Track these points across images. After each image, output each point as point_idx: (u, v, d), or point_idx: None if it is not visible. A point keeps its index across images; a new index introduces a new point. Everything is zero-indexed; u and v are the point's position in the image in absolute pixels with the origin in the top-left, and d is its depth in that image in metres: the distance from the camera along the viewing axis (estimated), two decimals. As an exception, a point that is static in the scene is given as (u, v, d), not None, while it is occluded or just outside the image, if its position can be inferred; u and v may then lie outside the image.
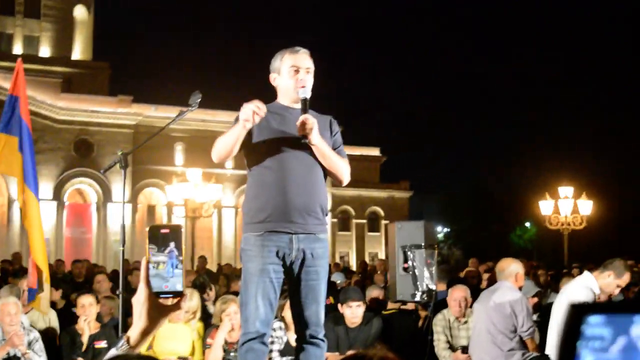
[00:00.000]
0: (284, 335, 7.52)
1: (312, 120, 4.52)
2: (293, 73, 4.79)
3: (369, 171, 58.66)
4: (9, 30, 55.96)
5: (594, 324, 1.05)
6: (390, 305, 9.07)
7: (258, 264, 4.62)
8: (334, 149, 4.84)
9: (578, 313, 1.05)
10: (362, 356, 1.80)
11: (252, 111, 4.43)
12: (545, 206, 27.44)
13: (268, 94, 4.99)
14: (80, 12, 58.74)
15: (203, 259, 19.52)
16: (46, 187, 43.60)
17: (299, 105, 4.66)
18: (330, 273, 8.56)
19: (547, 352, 7.26)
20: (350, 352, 1.92)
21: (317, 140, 4.57)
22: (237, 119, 4.63)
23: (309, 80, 4.78)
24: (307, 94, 4.69)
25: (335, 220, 56.75)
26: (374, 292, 9.59)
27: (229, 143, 4.61)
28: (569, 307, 1.06)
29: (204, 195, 25.85)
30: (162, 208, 48.44)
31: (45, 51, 56.38)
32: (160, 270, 2.06)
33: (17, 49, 54.86)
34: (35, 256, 8.01)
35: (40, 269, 7.94)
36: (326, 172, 4.79)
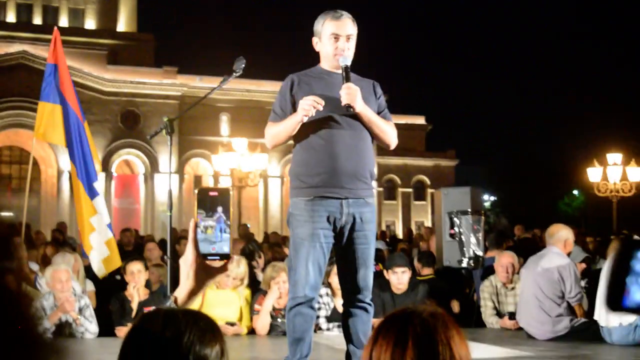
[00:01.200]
0: (330, 301, 7.56)
1: (354, 88, 4.52)
2: (333, 40, 4.76)
3: (415, 140, 58.32)
4: (54, 3, 56.40)
5: None
6: (424, 271, 8.93)
7: (308, 228, 4.63)
8: (379, 112, 4.82)
9: (628, 248, 1.02)
10: (412, 311, 1.81)
11: (313, 106, 4.46)
12: (593, 173, 27.05)
13: (311, 60, 4.97)
14: (125, -16, 58.98)
15: (245, 227, 19.59)
16: (94, 158, 44.07)
17: (340, 71, 4.65)
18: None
19: (595, 317, 7.20)
20: (400, 308, 1.92)
21: (361, 107, 4.57)
22: (281, 91, 4.74)
23: (349, 47, 4.76)
24: (348, 61, 4.68)
25: (381, 189, 56.61)
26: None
27: (284, 133, 4.68)
28: (619, 241, 1.03)
29: (249, 164, 25.91)
30: (209, 178, 48.74)
31: (90, 23, 56.77)
32: (208, 235, 2.08)
33: (63, 21, 55.32)
34: (80, 227, 8.28)
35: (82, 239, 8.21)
36: (373, 137, 4.78)
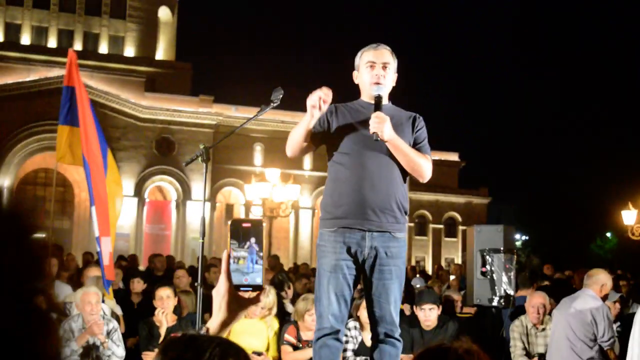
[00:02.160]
0: (358, 334, 7.49)
1: (383, 117, 4.47)
2: (370, 68, 4.78)
3: (448, 176, 58.17)
4: (95, 30, 57.32)
5: None
6: (465, 309, 8.97)
7: (331, 259, 4.61)
8: (415, 144, 4.77)
9: None
10: (447, 347, 1.79)
11: (319, 97, 4.41)
12: (627, 216, 26.79)
13: (349, 96, 4.98)
14: (164, 13, 59.82)
15: (275, 258, 19.61)
16: (128, 183, 44.50)
17: None
18: (407, 277, 8.51)
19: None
20: (436, 343, 1.90)
21: (389, 136, 4.49)
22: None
23: (386, 76, 4.75)
24: (382, 91, 4.67)
25: (412, 224, 56.44)
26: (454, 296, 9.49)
27: (298, 133, 4.61)
28: None
29: (281, 195, 25.95)
30: (240, 207, 48.96)
31: (129, 51, 57.57)
32: (240, 266, 2.09)
33: (103, 48, 56.18)
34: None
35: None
36: (405, 170, 4.73)
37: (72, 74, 8.63)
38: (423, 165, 4.70)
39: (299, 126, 4.59)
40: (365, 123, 4.59)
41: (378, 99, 4.61)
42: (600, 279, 7.46)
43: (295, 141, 4.65)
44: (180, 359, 1.69)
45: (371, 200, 4.58)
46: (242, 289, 2.10)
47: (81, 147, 8.36)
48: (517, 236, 63.18)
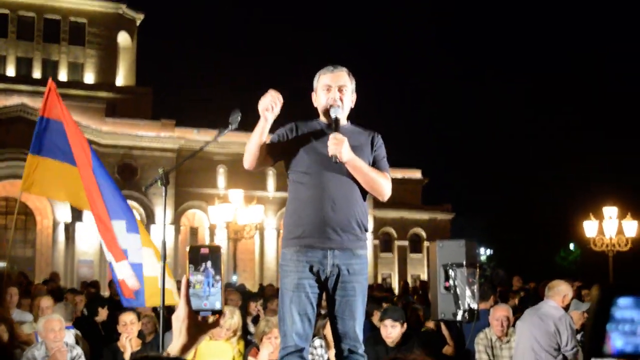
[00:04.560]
0: (324, 353, 7.50)
1: (340, 138, 4.51)
2: (326, 91, 4.82)
3: (411, 193, 58.51)
4: (54, 58, 56.97)
5: (624, 307, 1.02)
6: (428, 324, 9.00)
7: (294, 278, 4.62)
8: (375, 162, 4.81)
9: (607, 295, 1.02)
10: (402, 359, 1.81)
11: (270, 99, 4.46)
12: (589, 227, 27.06)
13: (311, 115, 5.01)
14: (123, 39, 59.64)
15: (242, 286, 19.49)
16: (90, 210, 44.08)
17: None
18: (370, 293, 8.53)
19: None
20: (390, 356, 1.92)
21: (347, 157, 4.53)
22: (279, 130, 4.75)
23: (342, 98, 4.79)
24: (339, 112, 4.71)
25: (377, 241, 56.59)
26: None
27: (253, 142, 4.60)
28: (598, 289, 1.03)
29: (245, 217, 25.91)
30: (205, 230, 48.77)
31: (89, 77, 57.28)
32: (197, 290, 2.12)
33: (62, 75, 55.82)
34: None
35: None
36: (365, 189, 4.76)
37: (50, 105, 8.33)
38: (382, 184, 4.73)
39: (254, 134, 4.59)
40: (324, 143, 4.61)
41: (335, 121, 4.65)
42: (561, 290, 7.56)
43: (251, 151, 4.64)
44: None
45: (332, 220, 4.60)
46: (202, 313, 2.12)
47: (84, 187, 8.06)
48: (482, 250, 63.63)
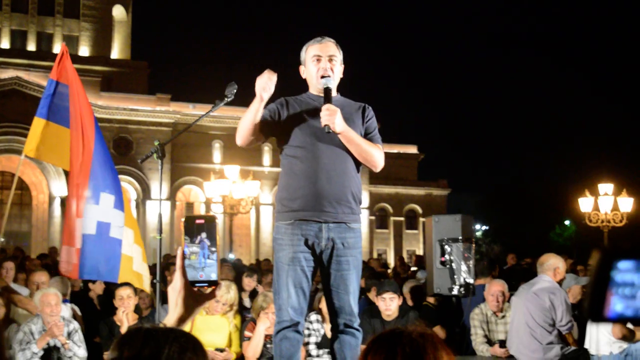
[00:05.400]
0: (321, 327, 7.51)
1: (333, 109, 4.49)
2: (316, 62, 4.79)
3: (407, 169, 58.52)
4: (48, 30, 56.69)
5: (624, 270, 1.01)
6: (428, 299, 9.04)
7: (288, 252, 4.62)
8: (366, 134, 4.80)
9: (608, 258, 1.01)
10: (401, 331, 1.81)
11: (267, 79, 4.46)
12: (585, 203, 27.09)
13: (303, 89, 4.99)
14: (118, 12, 59.32)
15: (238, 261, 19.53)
16: (86, 184, 44.05)
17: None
18: (364, 268, 8.55)
19: (586, 346, 7.19)
20: (390, 327, 1.92)
21: (340, 127, 4.51)
22: (269, 105, 4.73)
23: (333, 68, 4.77)
24: (330, 83, 4.68)
25: (373, 217, 56.66)
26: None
27: (247, 119, 4.60)
28: (599, 252, 1.02)
29: (241, 192, 25.87)
30: (200, 205, 48.80)
31: (84, 50, 57.03)
32: (193, 261, 2.12)
33: (57, 48, 55.45)
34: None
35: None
36: (359, 161, 4.75)
37: (61, 69, 8.27)
38: (375, 155, 4.72)
39: (248, 112, 4.58)
40: (316, 115, 4.60)
41: (327, 91, 4.62)
42: (552, 264, 7.56)
43: (244, 128, 4.64)
44: (139, 355, 1.69)
45: (327, 192, 4.59)
46: (197, 284, 2.13)
47: (70, 150, 8.04)
48: (477, 226, 63.75)
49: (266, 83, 4.46)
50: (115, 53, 58.94)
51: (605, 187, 26.79)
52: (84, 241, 7.81)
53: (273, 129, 4.76)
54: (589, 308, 1.03)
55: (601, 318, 1.02)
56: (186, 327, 2.11)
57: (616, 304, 1.02)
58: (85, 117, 8.07)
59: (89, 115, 8.10)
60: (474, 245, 8.51)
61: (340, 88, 4.93)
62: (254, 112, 4.56)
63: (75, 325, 7.28)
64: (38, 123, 8.02)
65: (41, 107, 8.07)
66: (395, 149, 55.93)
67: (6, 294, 7.69)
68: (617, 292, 1.01)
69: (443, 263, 8.25)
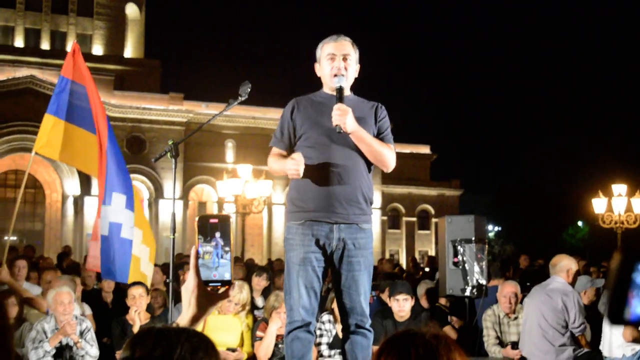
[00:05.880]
0: (333, 328, 7.51)
1: (345, 109, 4.48)
2: (330, 60, 4.77)
3: (419, 169, 58.38)
4: (62, 29, 56.90)
5: None
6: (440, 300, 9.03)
7: (300, 252, 4.62)
8: (379, 134, 4.79)
9: (629, 260, 1.00)
10: (414, 333, 1.80)
11: (296, 167, 4.49)
12: (598, 204, 26.95)
13: (316, 87, 4.98)
14: (132, 11, 59.48)
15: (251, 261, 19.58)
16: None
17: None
18: (376, 269, 8.54)
19: (600, 348, 7.15)
20: (404, 328, 1.92)
21: (352, 127, 4.50)
22: (283, 115, 4.81)
23: (347, 67, 4.75)
24: (343, 82, 4.66)
25: (385, 218, 56.59)
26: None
27: (277, 169, 4.75)
28: (620, 254, 1.01)
29: (254, 191, 25.86)
30: (213, 204, 48.83)
31: (97, 49, 57.19)
32: (207, 260, 2.11)
33: (70, 47, 55.66)
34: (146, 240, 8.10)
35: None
36: (370, 161, 4.74)
37: (72, 67, 8.24)
38: (387, 155, 4.71)
39: (280, 168, 4.68)
40: (328, 115, 4.58)
41: (339, 90, 4.61)
42: (564, 265, 7.52)
43: (274, 171, 4.81)
44: (150, 358, 1.68)
45: (338, 193, 4.60)
46: (211, 284, 2.12)
47: (98, 156, 8.05)
48: (490, 227, 63.61)
49: (295, 172, 4.50)
50: (129, 52, 59.10)
51: (619, 188, 26.64)
52: (101, 241, 7.87)
53: (291, 140, 4.82)
54: (610, 310, 1.01)
55: (622, 320, 1.01)
56: (198, 327, 2.11)
57: (638, 306, 1.00)
58: (99, 118, 8.09)
59: (102, 115, 8.13)
60: (486, 246, 8.49)
61: (353, 87, 4.92)
62: (283, 169, 4.65)
63: (87, 324, 7.30)
64: (48, 120, 8.01)
65: (52, 103, 8.05)
66: (408, 149, 55.81)
67: (19, 295, 7.71)
68: (638, 295, 1.00)
69: (456, 264, 8.24)
